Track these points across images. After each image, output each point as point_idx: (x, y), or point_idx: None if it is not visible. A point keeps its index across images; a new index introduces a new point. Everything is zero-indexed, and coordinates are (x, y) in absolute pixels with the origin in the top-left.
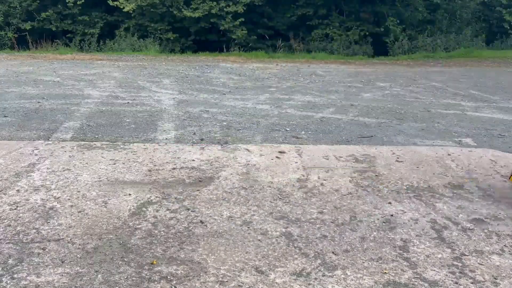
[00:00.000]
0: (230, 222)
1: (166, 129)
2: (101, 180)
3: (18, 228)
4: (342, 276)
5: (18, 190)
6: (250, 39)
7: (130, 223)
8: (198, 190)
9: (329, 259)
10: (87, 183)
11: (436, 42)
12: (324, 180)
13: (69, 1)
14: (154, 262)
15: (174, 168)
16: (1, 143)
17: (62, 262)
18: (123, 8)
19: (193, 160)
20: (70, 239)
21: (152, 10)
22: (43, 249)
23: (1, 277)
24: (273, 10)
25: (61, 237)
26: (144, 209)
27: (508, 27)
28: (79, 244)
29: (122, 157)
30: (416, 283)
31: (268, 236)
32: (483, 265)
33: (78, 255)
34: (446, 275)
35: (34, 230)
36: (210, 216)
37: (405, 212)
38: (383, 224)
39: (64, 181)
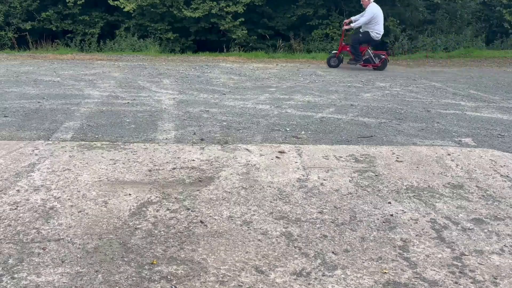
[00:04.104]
0: (230, 222)
1: (166, 129)
2: (101, 180)
3: (18, 228)
4: (342, 275)
5: (18, 190)
6: (250, 39)
7: (130, 223)
8: (198, 190)
9: (329, 259)
10: (87, 183)
11: (436, 42)
12: (324, 180)
13: (69, 1)
14: (154, 262)
15: (174, 168)
16: (1, 143)
17: (62, 262)
18: (124, 7)
19: (193, 160)
20: (70, 239)
21: (152, 10)
22: (43, 249)
23: (1, 277)
24: (273, 10)
25: (61, 237)
26: (144, 209)
27: (509, 27)
28: (79, 244)
29: (122, 157)
30: (416, 283)
31: (268, 236)
32: (483, 265)
33: (78, 255)
34: (446, 275)
35: (34, 230)
36: (210, 216)
37: (405, 212)
38: (383, 224)
39: (64, 181)
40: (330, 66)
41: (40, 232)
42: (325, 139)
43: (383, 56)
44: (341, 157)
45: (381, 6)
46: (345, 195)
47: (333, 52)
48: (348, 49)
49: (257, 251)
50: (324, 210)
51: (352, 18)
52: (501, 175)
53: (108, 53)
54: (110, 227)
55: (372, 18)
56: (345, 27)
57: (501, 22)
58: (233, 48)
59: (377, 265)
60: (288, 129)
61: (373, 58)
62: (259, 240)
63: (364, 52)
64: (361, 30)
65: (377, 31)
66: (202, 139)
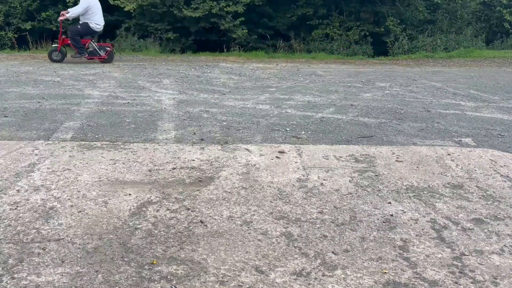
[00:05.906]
0: (230, 222)
1: (166, 129)
2: (101, 180)
3: (18, 228)
4: (342, 276)
5: (18, 190)
6: (251, 39)
7: (130, 223)
8: (198, 190)
9: (329, 259)
10: (87, 183)
11: (436, 42)
12: (324, 180)
13: (69, 1)
14: (154, 262)
15: (174, 168)
16: (1, 143)
17: (62, 262)
18: (124, 7)
19: (193, 160)
20: (70, 239)
21: (152, 9)
22: (43, 249)
23: (1, 277)
24: (273, 10)
25: (61, 237)
26: (144, 209)
27: (509, 27)
28: (79, 244)
29: (122, 157)
30: (416, 283)
31: (268, 236)
32: (483, 265)
33: (78, 255)
34: (446, 275)
35: (34, 230)
36: (210, 216)
37: (405, 212)
38: (383, 224)
39: (64, 181)
40: (52, 61)
41: (40, 232)
42: (325, 139)
43: (109, 49)
44: (341, 157)
45: (381, 6)
46: (345, 195)
47: (53, 45)
48: (69, 42)
49: (257, 251)
50: (324, 210)
51: (69, 9)
52: (501, 175)
53: None
54: (110, 227)
55: (88, 8)
56: (61, 18)
57: (501, 22)
58: (233, 48)
59: (377, 265)
60: (288, 129)
61: (98, 50)
62: (259, 240)
63: (87, 45)
64: (80, 21)
65: (96, 21)
66: (202, 139)
